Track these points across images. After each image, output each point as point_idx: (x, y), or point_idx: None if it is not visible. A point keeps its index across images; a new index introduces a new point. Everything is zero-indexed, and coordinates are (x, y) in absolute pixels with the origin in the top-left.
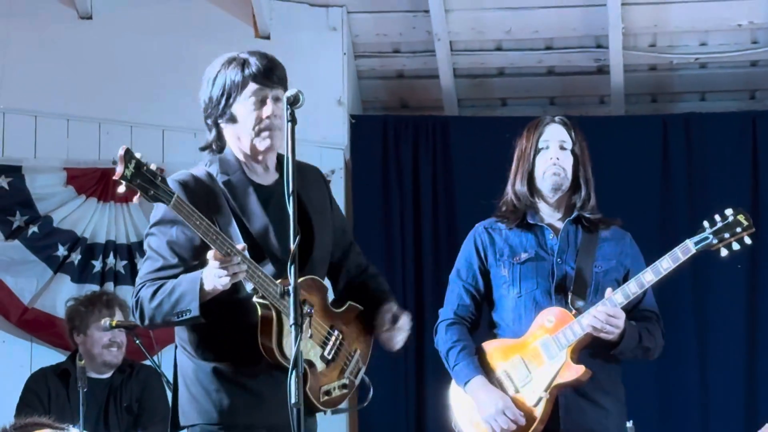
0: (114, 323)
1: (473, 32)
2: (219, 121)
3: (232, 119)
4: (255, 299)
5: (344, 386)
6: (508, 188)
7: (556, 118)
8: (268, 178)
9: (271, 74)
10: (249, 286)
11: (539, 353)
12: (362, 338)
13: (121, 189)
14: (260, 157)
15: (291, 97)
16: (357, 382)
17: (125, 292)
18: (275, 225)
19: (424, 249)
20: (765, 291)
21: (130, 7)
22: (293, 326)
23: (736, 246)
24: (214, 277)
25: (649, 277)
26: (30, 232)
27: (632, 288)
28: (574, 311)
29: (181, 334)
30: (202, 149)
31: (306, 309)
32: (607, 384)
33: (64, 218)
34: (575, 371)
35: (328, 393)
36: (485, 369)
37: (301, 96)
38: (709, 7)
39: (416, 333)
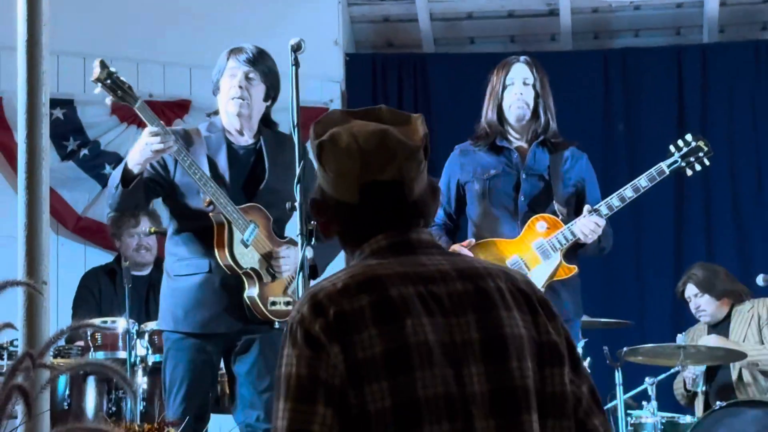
0: (152, 230)
1: None
2: (215, 93)
3: (218, 90)
4: (211, 214)
5: (288, 303)
6: (482, 118)
7: (521, 59)
8: (242, 141)
9: (253, 60)
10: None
11: (535, 255)
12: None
13: (97, 90)
14: (236, 123)
15: (295, 45)
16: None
17: (156, 203)
18: (233, 174)
19: None
20: (689, 198)
21: None
22: (300, 235)
23: (698, 167)
24: (141, 147)
25: (629, 193)
26: (81, 154)
27: (615, 202)
28: (561, 216)
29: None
30: (207, 115)
31: (251, 224)
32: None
33: (110, 142)
34: (568, 270)
35: (273, 304)
36: (490, 261)
37: (303, 43)
38: None
39: None
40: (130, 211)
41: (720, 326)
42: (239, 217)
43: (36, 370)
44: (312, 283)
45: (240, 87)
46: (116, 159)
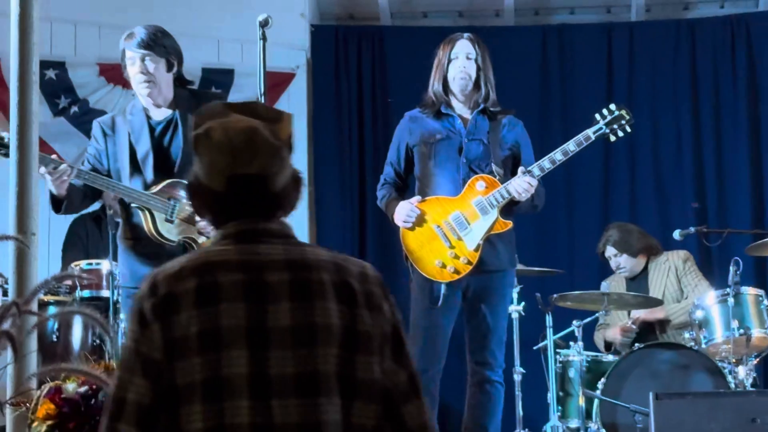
0: None
1: None
2: (126, 77)
3: (128, 75)
4: (133, 205)
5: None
6: (429, 88)
7: (465, 35)
8: (159, 115)
9: (145, 43)
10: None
11: (475, 211)
12: None
13: None
14: (150, 101)
15: (262, 21)
16: None
17: None
18: (155, 149)
19: (365, 130)
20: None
21: None
22: None
23: (620, 134)
24: (49, 183)
25: (559, 156)
26: (72, 111)
27: (546, 164)
28: (498, 176)
29: None
30: (132, 95)
31: (171, 202)
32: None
33: (98, 101)
34: (504, 225)
35: None
36: (430, 216)
37: (270, 20)
38: None
39: (359, 197)
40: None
41: (638, 278)
42: (156, 201)
43: (22, 317)
44: None
45: (142, 72)
46: (103, 115)
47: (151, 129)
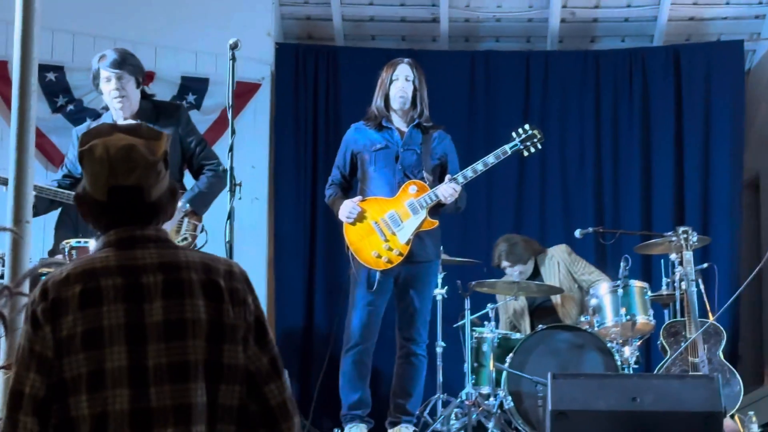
0: None
1: None
2: (98, 92)
3: (100, 92)
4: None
5: (184, 239)
6: (373, 103)
7: (405, 60)
8: (127, 124)
9: (118, 63)
10: None
11: (407, 211)
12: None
13: None
14: (121, 114)
15: (233, 44)
16: (198, 235)
17: None
18: None
19: (319, 135)
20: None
21: None
22: (230, 191)
23: (533, 150)
24: None
25: (480, 167)
26: (68, 109)
27: (468, 173)
28: (427, 182)
29: None
30: (102, 108)
31: None
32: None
33: (91, 101)
34: (431, 223)
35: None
36: (370, 213)
37: (239, 43)
38: None
39: (312, 194)
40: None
41: (533, 277)
42: None
43: (14, 297)
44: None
45: (117, 89)
46: (95, 114)
47: None
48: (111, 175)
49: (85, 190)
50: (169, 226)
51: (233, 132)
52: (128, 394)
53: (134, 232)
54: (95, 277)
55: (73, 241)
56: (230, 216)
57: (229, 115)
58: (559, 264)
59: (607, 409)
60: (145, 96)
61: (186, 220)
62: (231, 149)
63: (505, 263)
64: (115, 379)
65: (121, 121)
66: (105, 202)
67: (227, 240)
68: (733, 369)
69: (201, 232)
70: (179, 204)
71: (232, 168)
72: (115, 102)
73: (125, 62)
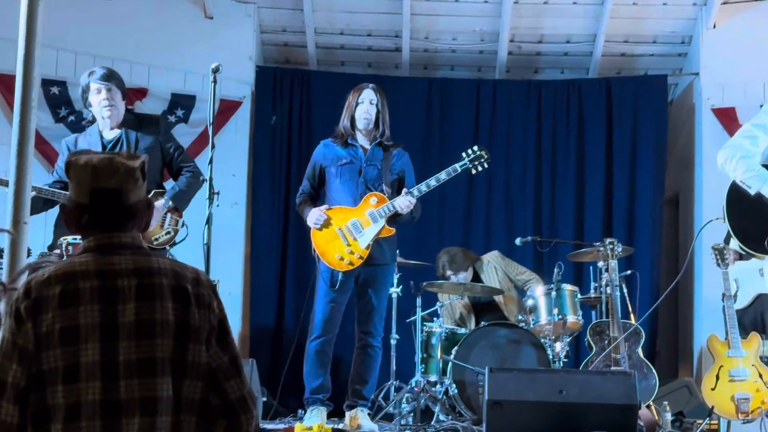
0: None
1: (327, 24)
2: (86, 106)
3: (90, 104)
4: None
5: (168, 233)
6: (340, 123)
7: (370, 85)
8: (111, 134)
9: (107, 77)
10: None
11: (368, 219)
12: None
13: None
14: (107, 123)
15: (215, 68)
16: (179, 229)
17: None
18: None
19: (293, 148)
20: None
21: None
22: (209, 199)
23: (480, 168)
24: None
25: (433, 182)
26: (69, 119)
27: (423, 188)
28: (386, 194)
29: None
30: (89, 122)
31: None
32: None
33: (90, 113)
34: (389, 231)
35: (156, 240)
36: (334, 221)
37: (221, 67)
38: (459, 20)
39: (285, 200)
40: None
41: (474, 281)
42: None
43: (8, 293)
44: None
45: (106, 99)
46: (81, 127)
47: (104, 146)
48: (93, 179)
49: (70, 199)
50: (154, 221)
51: (213, 146)
52: (100, 386)
53: (112, 239)
54: (74, 279)
55: (69, 238)
56: (208, 221)
57: (210, 132)
58: (495, 268)
59: (536, 400)
60: (127, 109)
61: (169, 215)
62: (211, 162)
63: (448, 272)
64: (89, 373)
65: (107, 131)
66: (88, 204)
67: (205, 242)
68: (650, 365)
69: (182, 226)
70: (162, 201)
71: (211, 178)
72: (105, 111)
73: (113, 76)
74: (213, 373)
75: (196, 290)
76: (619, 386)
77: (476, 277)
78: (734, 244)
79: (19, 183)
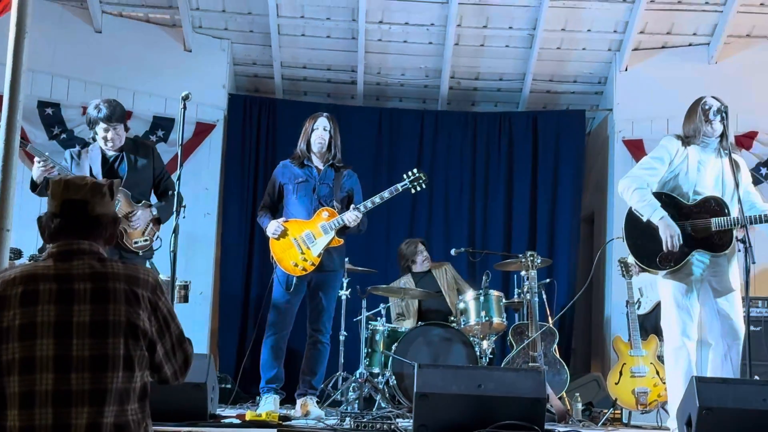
0: None
1: (292, 59)
2: (93, 137)
3: (96, 133)
4: None
5: (146, 240)
6: (297, 146)
7: (324, 114)
8: (111, 152)
9: (112, 115)
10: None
11: (320, 231)
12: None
13: None
14: (110, 147)
15: (184, 96)
16: (154, 240)
17: None
18: (106, 172)
19: (259, 167)
20: (420, 203)
21: (129, 30)
22: (176, 212)
23: (419, 188)
24: (35, 169)
25: (377, 200)
26: (61, 137)
27: (369, 204)
28: (337, 209)
29: None
30: (91, 139)
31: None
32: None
33: (80, 131)
34: (338, 241)
35: (136, 243)
36: (290, 231)
37: (190, 95)
38: (407, 58)
39: (251, 213)
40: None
41: (426, 276)
42: None
43: None
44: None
45: (111, 138)
46: (82, 141)
47: (105, 158)
48: (64, 191)
49: (46, 212)
50: (142, 222)
51: (181, 165)
52: (52, 377)
53: (72, 246)
54: (35, 281)
55: None
56: (175, 231)
57: (179, 153)
58: (446, 271)
59: (458, 393)
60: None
61: (150, 225)
62: (179, 178)
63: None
64: (43, 365)
65: (109, 152)
66: (58, 213)
67: (171, 250)
68: (563, 362)
69: (156, 239)
70: (151, 210)
71: (179, 193)
72: (108, 144)
73: (116, 114)
74: (159, 360)
75: (145, 293)
76: (530, 382)
77: (431, 275)
78: (632, 259)
79: (3, 193)
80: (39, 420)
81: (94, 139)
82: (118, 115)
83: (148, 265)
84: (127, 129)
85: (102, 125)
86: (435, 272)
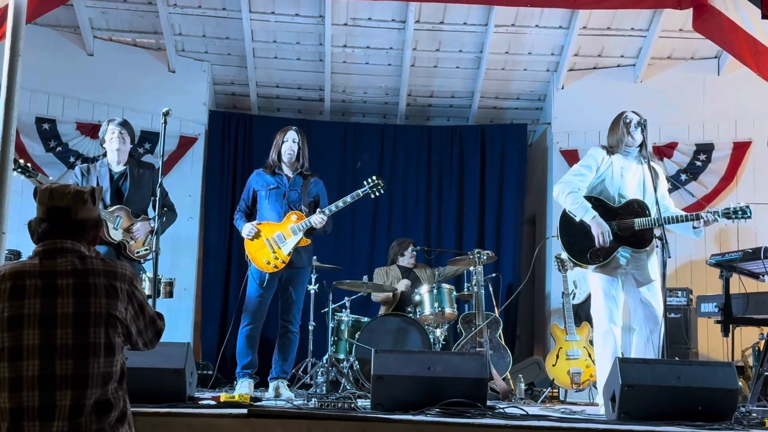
0: None
1: (266, 78)
2: (102, 145)
3: (104, 141)
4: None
5: (146, 250)
6: (269, 157)
7: (293, 128)
8: (117, 168)
9: (122, 124)
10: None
11: (290, 232)
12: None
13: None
14: (116, 156)
15: (165, 112)
16: (151, 251)
17: None
18: (113, 187)
19: (237, 176)
20: (383, 205)
21: (118, 53)
22: (158, 215)
23: (378, 194)
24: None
25: (341, 204)
26: (57, 150)
27: (333, 208)
28: (305, 213)
29: None
30: (102, 156)
31: (116, 217)
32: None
33: (74, 145)
34: (306, 241)
35: (138, 252)
36: (263, 233)
37: (171, 111)
38: (369, 78)
39: (229, 218)
40: None
41: (411, 274)
42: (108, 215)
43: None
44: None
45: (119, 139)
46: (77, 154)
47: (111, 176)
48: (50, 199)
49: (36, 216)
50: (142, 233)
51: (162, 174)
52: (38, 364)
53: (56, 245)
54: (23, 277)
55: None
56: (156, 233)
57: (160, 164)
58: (425, 270)
59: (410, 375)
60: (131, 154)
61: (150, 236)
62: (161, 185)
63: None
64: (29, 353)
65: (116, 165)
66: (45, 218)
67: (154, 250)
68: (506, 346)
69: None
70: (151, 222)
71: (159, 200)
72: (114, 146)
73: (126, 125)
74: (135, 341)
75: (123, 286)
76: (474, 364)
77: (414, 273)
78: (566, 255)
79: (0, 199)
80: (27, 402)
81: (105, 155)
82: (129, 127)
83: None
84: (133, 142)
85: (111, 128)
86: (417, 270)
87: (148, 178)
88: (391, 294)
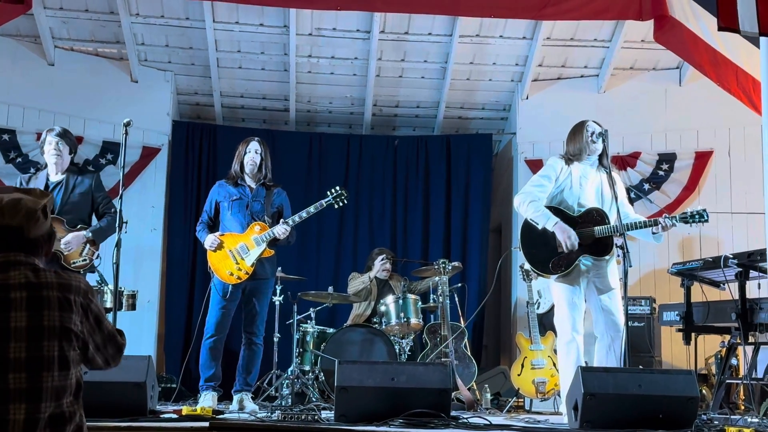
0: None
1: (230, 88)
2: (42, 153)
3: (44, 152)
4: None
5: (84, 260)
6: (232, 167)
7: (256, 138)
8: (55, 178)
9: (61, 134)
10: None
11: (253, 243)
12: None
13: None
14: (54, 168)
15: (126, 122)
16: (94, 259)
17: None
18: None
19: (201, 187)
20: (348, 215)
21: (80, 63)
22: (119, 227)
23: (341, 204)
24: None
25: (304, 214)
26: (17, 161)
27: (296, 218)
28: (268, 224)
29: None
30: (40, 168)
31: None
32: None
33: (33, 156)
34: (269, 252)
35: (74, 263)
36: (226, 244)
37: (132, 122)
38: (334, 88)
39: (193, 242)
40: None
41: (385, 286)
42: None
43: None
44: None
45: (55, 150)
46: (36, 165)
47: (47, 186)
48: (1, 217)
49: None
50: (75, 246)
51: (123, 185)
52: None
53: (9, 258)
54: None
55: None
56: (118, 244)
57: (121, 175)
58: (401, 282)
59: (373, 386)
60: (72, 162)
61: (87, 246)
62: (121, 197)
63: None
64: None
65: (53, 176)
66: None
67: (114, 262)
68: (471, 357)
69: (96, 257)
70: (84, 232)
71: (121, 211)
72: (52, 158)
73: (65, 135)
74: (92, 355)
75: (77, 298)
76: (437, 374)
77: (388, 284)
78: (528, 266)
79: None
80: None
81: (45, 166)
82: (68, 137)
83: (94, 277)
84: (72, 152)
85: (49, 139)
86: (392, 282)
87: (88, 186)
88: (368, 281)
